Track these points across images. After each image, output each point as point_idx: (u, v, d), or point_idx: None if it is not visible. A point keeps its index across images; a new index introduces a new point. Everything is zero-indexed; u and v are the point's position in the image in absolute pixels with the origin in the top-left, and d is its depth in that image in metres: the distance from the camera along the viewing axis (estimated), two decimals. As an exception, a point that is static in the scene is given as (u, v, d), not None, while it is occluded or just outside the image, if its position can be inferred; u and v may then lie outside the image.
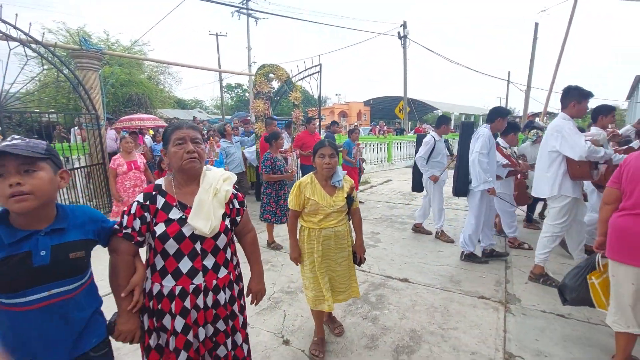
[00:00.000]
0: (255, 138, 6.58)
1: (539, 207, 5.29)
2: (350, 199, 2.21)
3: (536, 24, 14.45)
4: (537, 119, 5.46)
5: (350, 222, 2.38)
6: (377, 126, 13.57)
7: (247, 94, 39.25)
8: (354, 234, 2.39)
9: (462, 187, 3.81)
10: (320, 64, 7.31)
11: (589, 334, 2.47)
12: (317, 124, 6.59)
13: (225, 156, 5.90)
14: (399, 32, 15.05)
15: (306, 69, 7.47)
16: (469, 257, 3.80)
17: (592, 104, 3.19)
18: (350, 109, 39.95)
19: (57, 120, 9.46)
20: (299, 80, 7.61)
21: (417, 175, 4.95)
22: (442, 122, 4.61)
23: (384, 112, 43.22)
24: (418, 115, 26.39)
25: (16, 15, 4.74)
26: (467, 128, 3.89)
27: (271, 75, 6.88)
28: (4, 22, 4.47)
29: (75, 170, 5.61)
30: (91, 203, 5.89)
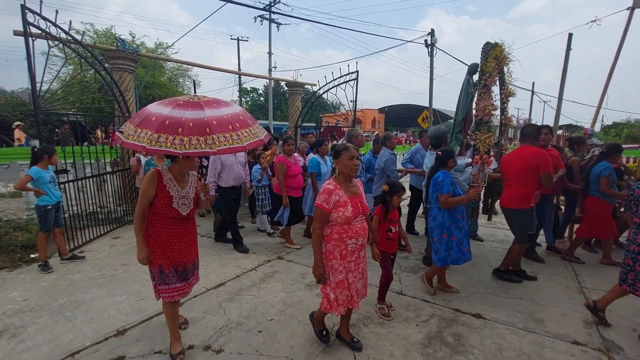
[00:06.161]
0: (475, 151, 4.55)
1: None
2: None
3: (570, 35, 13.93)
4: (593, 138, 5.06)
5: None
6: (404, 135, 13.20)
7: (262, 98, 39.29)
8: None
9: None
10: (357, 71, 7.04)
11: None
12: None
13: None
14: (425, 40, 14.74)
15: (342, 76, 7.22)
16: None
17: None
18: (364, 116, 39.68)
19: (76, 119, 9.31)
20: (334, 87, 7.36)
21: None
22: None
23: (397, 120, 42.75)
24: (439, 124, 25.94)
25: (56, 12, 4.56)
26: None
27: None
28: (45, 19, 4.27)
29: (106, 175, 5.38)
30: (120, 208, 5.67)
